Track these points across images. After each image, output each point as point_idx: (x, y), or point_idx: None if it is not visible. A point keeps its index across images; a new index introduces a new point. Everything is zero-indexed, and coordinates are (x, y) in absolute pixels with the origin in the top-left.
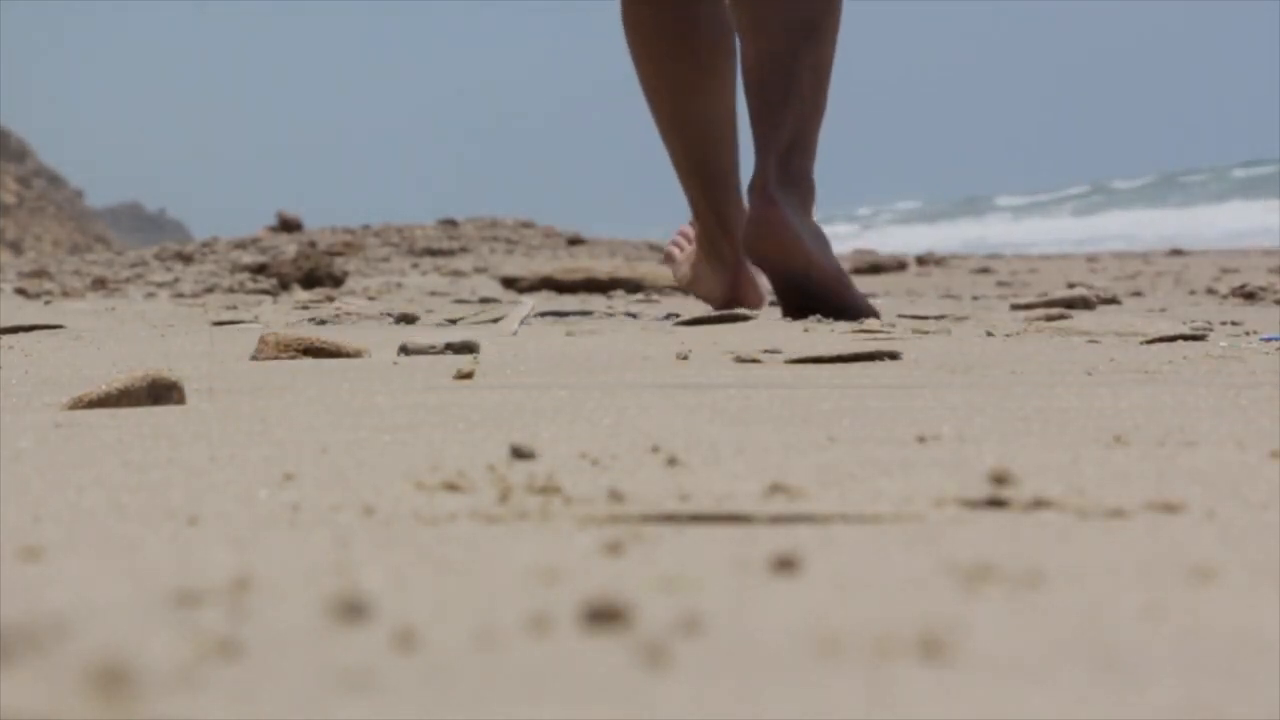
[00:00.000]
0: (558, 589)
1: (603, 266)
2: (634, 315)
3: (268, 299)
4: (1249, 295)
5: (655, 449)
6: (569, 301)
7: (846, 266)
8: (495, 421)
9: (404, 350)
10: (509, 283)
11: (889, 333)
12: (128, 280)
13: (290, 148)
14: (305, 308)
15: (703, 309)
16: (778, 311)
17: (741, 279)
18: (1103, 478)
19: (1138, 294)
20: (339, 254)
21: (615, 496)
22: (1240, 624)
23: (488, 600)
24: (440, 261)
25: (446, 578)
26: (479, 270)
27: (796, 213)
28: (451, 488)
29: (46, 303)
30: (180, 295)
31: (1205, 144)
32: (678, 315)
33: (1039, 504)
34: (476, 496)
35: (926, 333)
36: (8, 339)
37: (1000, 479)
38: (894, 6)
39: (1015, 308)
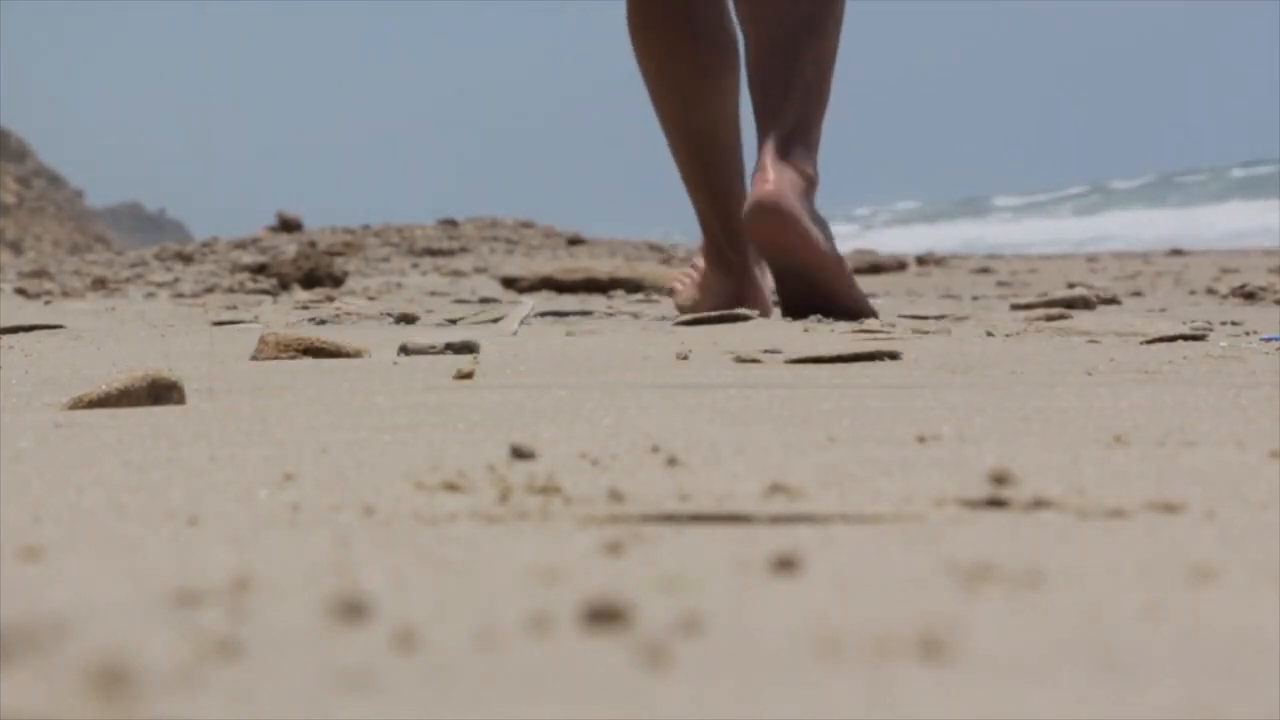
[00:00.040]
0: (558, 589)
1: (603, 266)
2: (635, 315)
3: (268, 299)
4: (1249, 295)
5: (655, 449)
6: (569, 301)
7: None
8: (495, 421)
9: (404, 350)
10: (509, 283)
11: (889, 333)
12: (128, 280)
13: (290, 148)
14: (305, 308)
15: None
16: (778, 311)
17: (748, 287)
18: (1103, 478)
19: (1138, 294)
20: (339, 254)
21: (615, 496)
22: (1240, 624)
23: (488, 600)
24: (440, 261)
25: (446, 578)
26: (479, 270)
27: (799, 195)
28: (451, 488)
29: (46, 303)
30: (180, 295)
31: (1204, 144)
32: (677, 315)
33: (1039, 504)
34: (476, 496)
35: (926, 333)
36: (8, 339)
37: (1000, 479)
38: (894, 6)
39: (1015, 308)
